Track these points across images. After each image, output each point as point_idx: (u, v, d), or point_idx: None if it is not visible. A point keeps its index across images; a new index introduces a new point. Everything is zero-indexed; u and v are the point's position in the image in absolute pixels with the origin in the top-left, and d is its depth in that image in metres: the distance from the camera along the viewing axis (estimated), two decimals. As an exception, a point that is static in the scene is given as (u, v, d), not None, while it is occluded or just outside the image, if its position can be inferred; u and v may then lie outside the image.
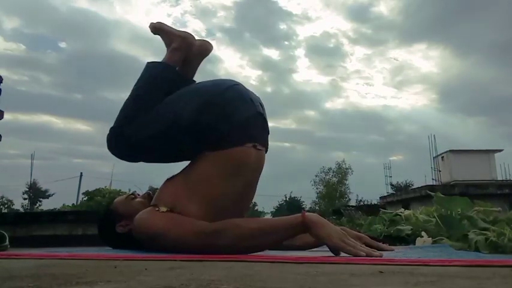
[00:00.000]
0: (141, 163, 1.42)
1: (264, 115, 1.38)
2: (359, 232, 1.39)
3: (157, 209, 1.22)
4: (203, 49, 1.54)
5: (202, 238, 1.13)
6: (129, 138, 1.32)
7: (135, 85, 1.42)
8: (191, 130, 1.26)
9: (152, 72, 1.42)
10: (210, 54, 1.57)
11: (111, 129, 1.36)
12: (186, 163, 1.35)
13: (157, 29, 1.53)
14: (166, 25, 1.53)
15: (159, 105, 1.33)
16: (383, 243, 1.36)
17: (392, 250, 1.29)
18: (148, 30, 1.54)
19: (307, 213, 1.11)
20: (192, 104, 1.28)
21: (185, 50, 1.48)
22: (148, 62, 1.46)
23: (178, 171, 1.34)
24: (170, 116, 1.29)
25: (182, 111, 1.27)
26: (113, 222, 1.41)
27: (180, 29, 1.52)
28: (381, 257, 1.00)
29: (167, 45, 1.51)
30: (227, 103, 1.28)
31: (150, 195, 1.43)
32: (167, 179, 1.32)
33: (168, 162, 1.41)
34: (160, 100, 1.34)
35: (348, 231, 1.29)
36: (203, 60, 1.57)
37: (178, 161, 1.38)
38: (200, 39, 1.55)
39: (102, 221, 1.48)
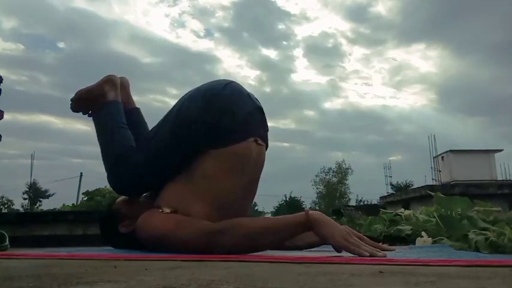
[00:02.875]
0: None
1: (263, 110, 1.39)
2: (359, 233, 1.39)
3: (160, 210, 1.22)
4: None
5: (207, 237, 1.12)
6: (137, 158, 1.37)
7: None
8: (197, 128, 1.25)
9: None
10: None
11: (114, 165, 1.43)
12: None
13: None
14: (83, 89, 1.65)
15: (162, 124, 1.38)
16: (383, 243, 1.36)
17: (394, 250, 1.28)
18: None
19: (310, 212, 1.11)
20: (197, 103, 1.28)
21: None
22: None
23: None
24: (174, 116, 1.31)
25: (188, 111, 1.28)
26: (116, 223, 1.39)
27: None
28: (385, 257, 1.00)
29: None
30: (228, 99, 1.29)
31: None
32: (169, 180, 1.30)
33: (169, 175, 1.32)
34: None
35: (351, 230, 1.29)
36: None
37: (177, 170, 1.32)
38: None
39: (105, 220, 1.47)
